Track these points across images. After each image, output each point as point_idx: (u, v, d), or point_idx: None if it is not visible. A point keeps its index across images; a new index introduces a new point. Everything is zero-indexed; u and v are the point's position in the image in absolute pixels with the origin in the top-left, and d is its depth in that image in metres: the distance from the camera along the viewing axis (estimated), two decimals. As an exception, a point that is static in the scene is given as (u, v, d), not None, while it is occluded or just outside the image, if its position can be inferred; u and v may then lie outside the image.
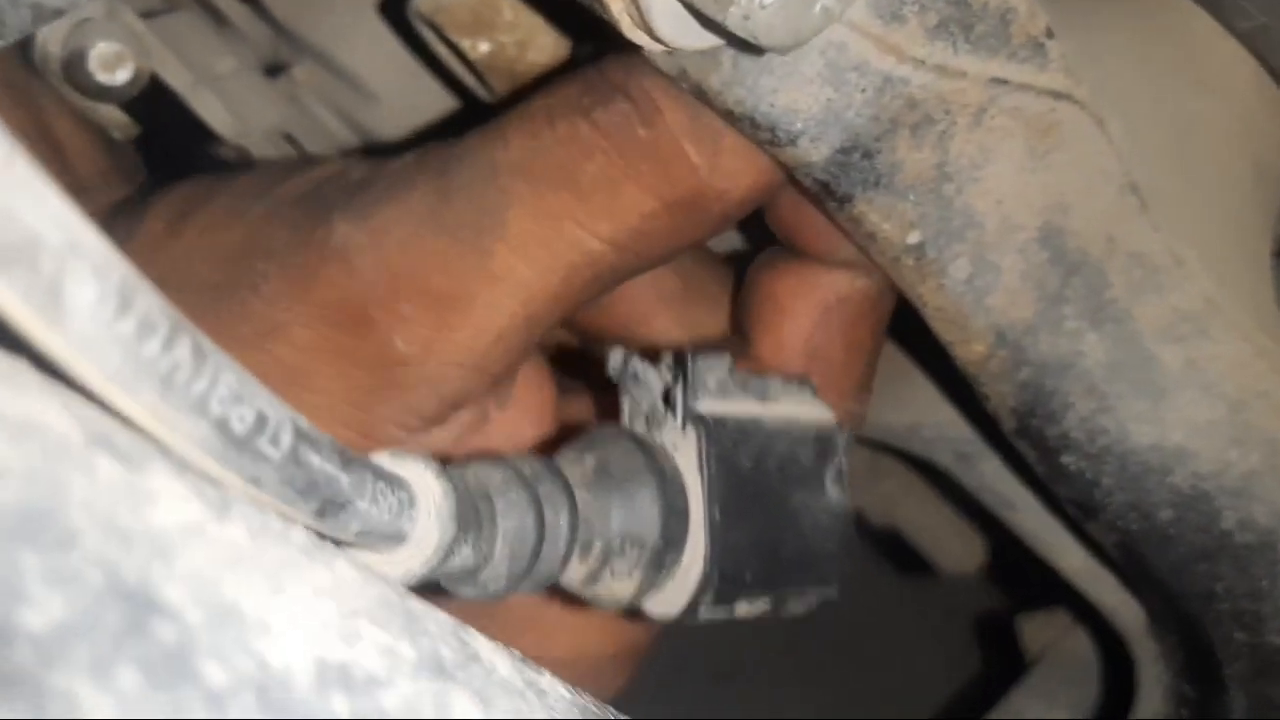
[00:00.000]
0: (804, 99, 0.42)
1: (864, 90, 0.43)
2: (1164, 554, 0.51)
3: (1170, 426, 0.50)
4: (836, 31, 0.41)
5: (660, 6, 0.35)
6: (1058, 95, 0.46)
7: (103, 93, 0.53)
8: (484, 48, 0.51)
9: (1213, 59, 0.52)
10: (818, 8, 0.36)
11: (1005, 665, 0.82)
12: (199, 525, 0.21)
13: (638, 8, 0.36)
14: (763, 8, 0.34)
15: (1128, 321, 0.49)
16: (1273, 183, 0.56)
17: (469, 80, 0.54)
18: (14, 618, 0.17)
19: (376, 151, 0.71)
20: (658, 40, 0.37)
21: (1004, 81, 0.44)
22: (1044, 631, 0.79)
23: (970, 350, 0.49)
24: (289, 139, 0.66)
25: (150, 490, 0.21)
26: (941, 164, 0.45)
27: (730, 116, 0.43)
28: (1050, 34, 0.45)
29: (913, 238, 0.46)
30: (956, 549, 0.85)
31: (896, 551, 0.89)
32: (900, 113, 0.43)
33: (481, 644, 0.27)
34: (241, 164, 0.65)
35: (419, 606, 0.26)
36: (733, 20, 0.34)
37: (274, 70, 0.65)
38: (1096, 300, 0.49)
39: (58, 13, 0.39)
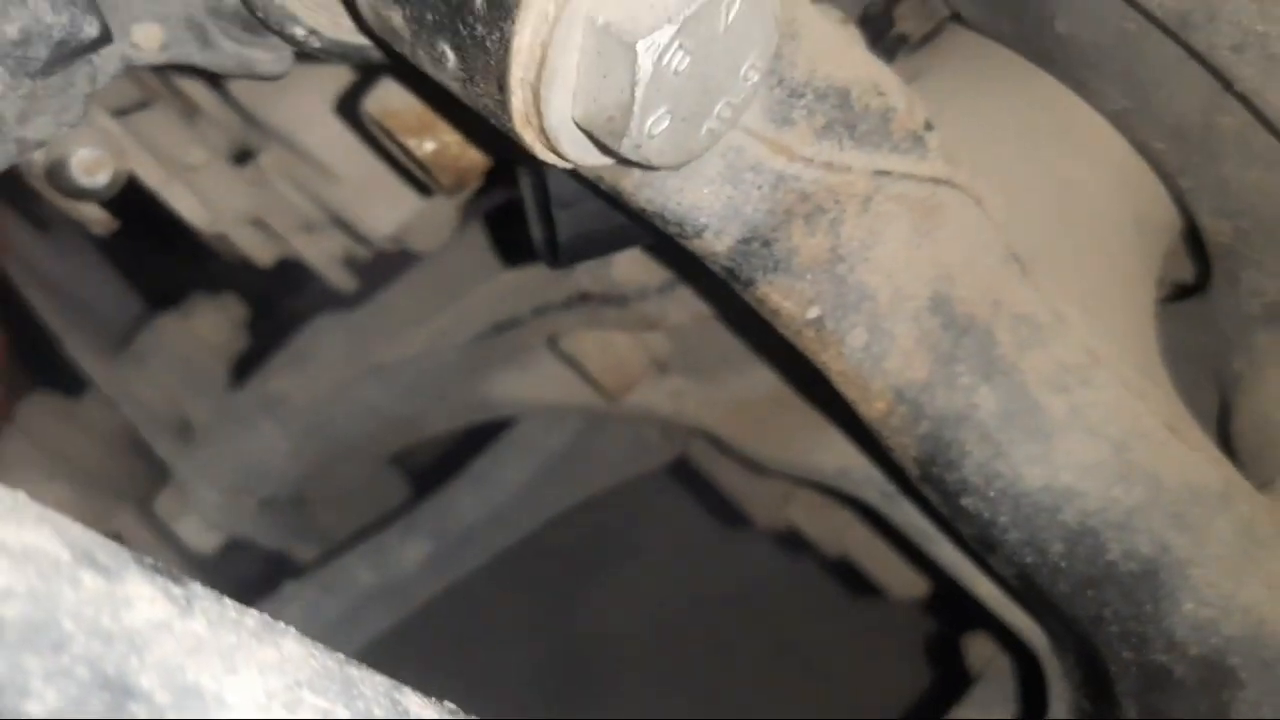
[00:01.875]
0: (707, 197, 0.48)
1: (760, 187, 0.48)
2: (1056, 583, 0.56)
3: (1059, 468, 0.56)
4: (733, 136, 0.47)
5: (567, 136, 0.41)
6: (938, 181, 0.51)
7: (84, 194, 0.58)
8: (429, 147, 0.56)
9: (1087, 129, 0.58)
10: (704, 130, 0.41)
11: (952, 681, 0.87)
12: (166, 621, 0.26)
13: (546, 137, 0.41)
14: (651, 137, 0.40)
15: (1016, 374, 0.55)
16: (1154, 233, 0.61)
17: (417, 173, 0.60)
18: (20, 708, 0.22)
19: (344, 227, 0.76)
20: (566, 160, 0.43)
21: (887, 173, 0.50)
22: (984, 650, 0.85)
23: (872, 408, 0.54)
24: (259, 224, 0.72)
25: (126, 595, 0.26)
26: (834, 247, 0.50)
27: (643, 213, 0.48)
28: (929, 126, 0.51)
29: (812, 313, 0.51)
30: (904, 575, 0.90)
31: (849, 577, 0.94)
32: (794, 205, 0.49)
33: (413, 702, 0.32)
34: (217, 250, 0.70)
35: (357, 673, 0.31)
36: (626, 149, 0.39)
37: (242, 157, 0.71)
38: (986, 357, 0.54)
39: (40, 144, 0.45)
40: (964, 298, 0.53)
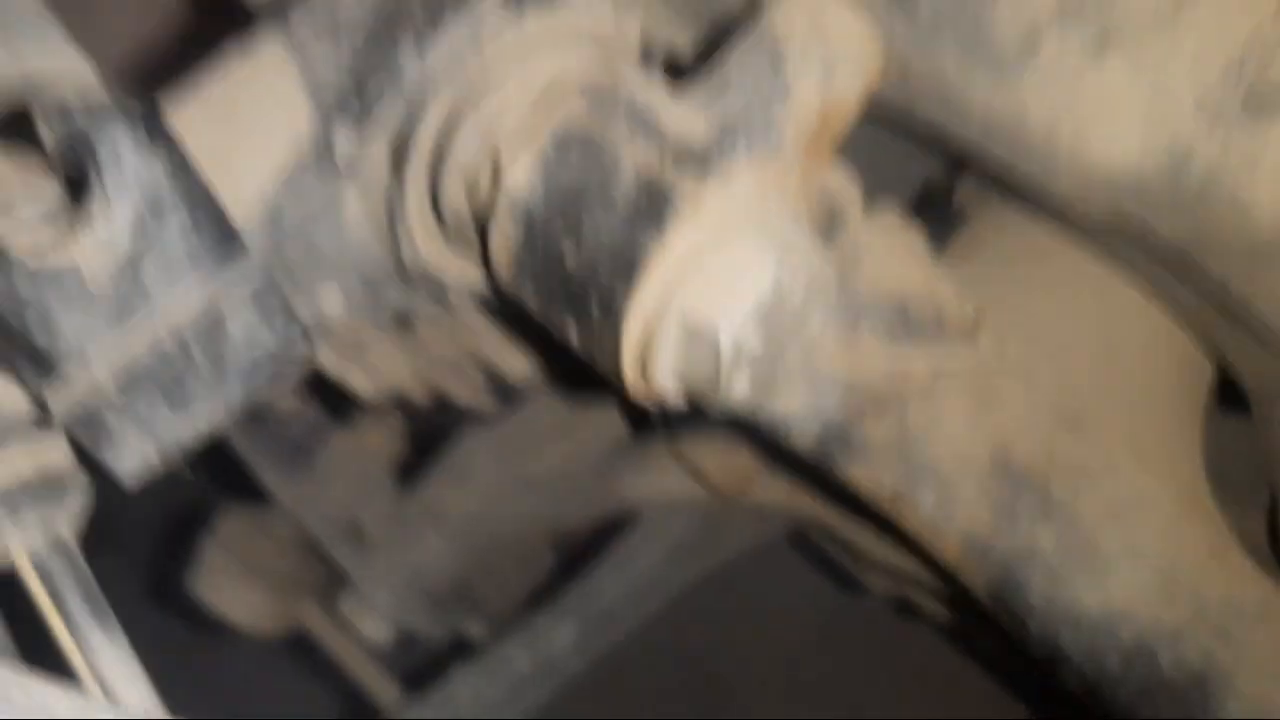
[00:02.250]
0: (789, 404, 0.57)
1: (834, 391, 0.58)
2: (1117, 694, 0.65)
3: (1114, 593, 0.64)
4: (809, 349, 0.57)
5: (669, 394, 0.51)
6: (991, 372, 0.60)
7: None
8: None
9: (1125, 293, 0.66)
10: (780, 373, 0.51)
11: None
12: None
13: (653, 395, 0.51)
14: (735, 392, 0.50)
15: (1072, 515, 0.63)
16: (1194, 374, 0.69)
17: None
18: None
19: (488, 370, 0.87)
20: (663, 404, 0.53)
21: (945, 365, 0.59)
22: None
23: (944, 553, 0.63)
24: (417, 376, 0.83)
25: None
26: (902, 432, 0.59)
27: (735, 418, 0.58)
28: (979, 321, 0.60)
29: (886, 484, 0.61)
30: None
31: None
32: (864, 401, 0.58)
33: None
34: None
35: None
36: (718, 403, 0.50)
37: (402, 322, 0.83)
38: (1044, 503, 0.63)
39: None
40: (1021, 456, 0.62)
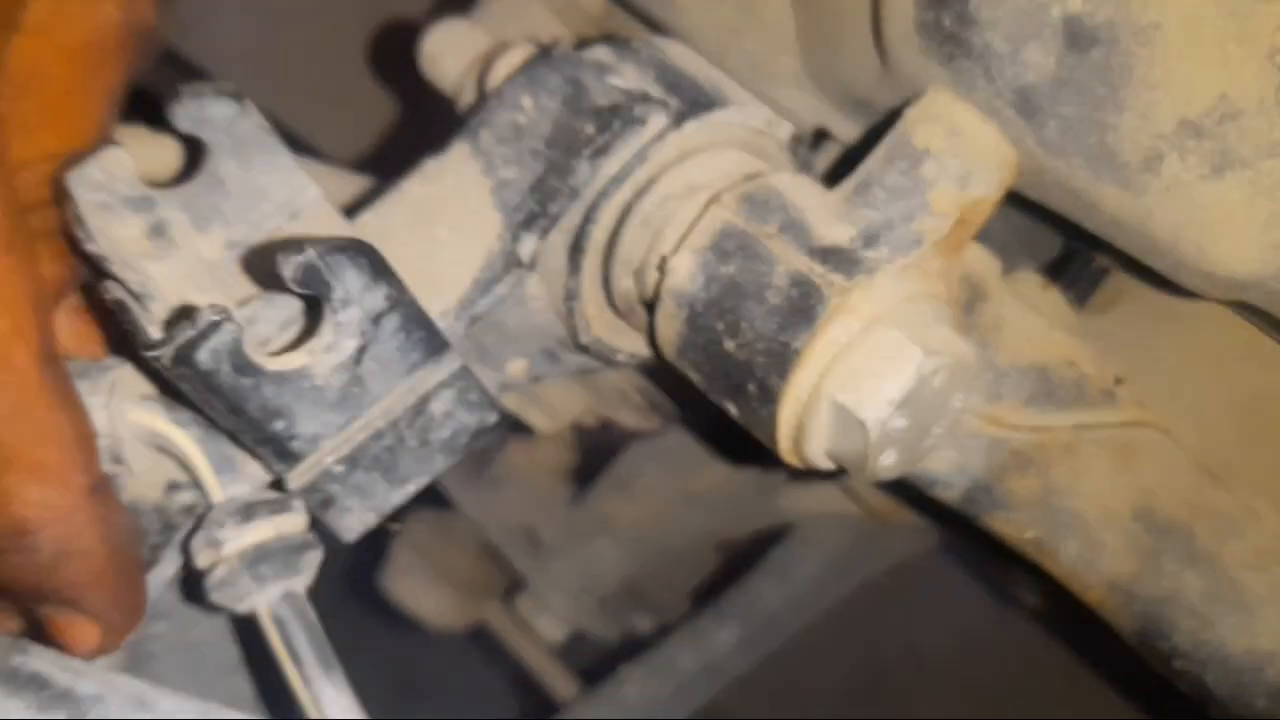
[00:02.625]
0: (937, 462, 0.62)
1: (979, 450, 0.62)
2: (1262, 731, 0.68)
3: (1260, 635, 0.66)
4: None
5: (821, 464, 0.56)
6: (1129, 425, 0.63)
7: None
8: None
9: (1264, 344, 0.68)
10: (924, 447, 0.56)
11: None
12: None
13: (807, 465, 0.56)
14: (883, 467, 0.54)
15: (1216, 561, 0.66)
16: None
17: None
18: None
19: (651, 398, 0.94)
20: (811, 467, 0.58)
21: (1085, 426, 0.62)
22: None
23: (1088, 597, 0.67)
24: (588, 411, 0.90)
25: None
26: (1045, 486, 0.63)
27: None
28: (1119, 381, 0.63)
29: (1029, 535, 0.64)
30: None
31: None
32: (1008, 459, 0.62)
33: None
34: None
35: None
36: (866, 478, 0.54)
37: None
38: (1188, 549, 0.66)
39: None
40: (1163, 507, 0.65)
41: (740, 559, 1.15)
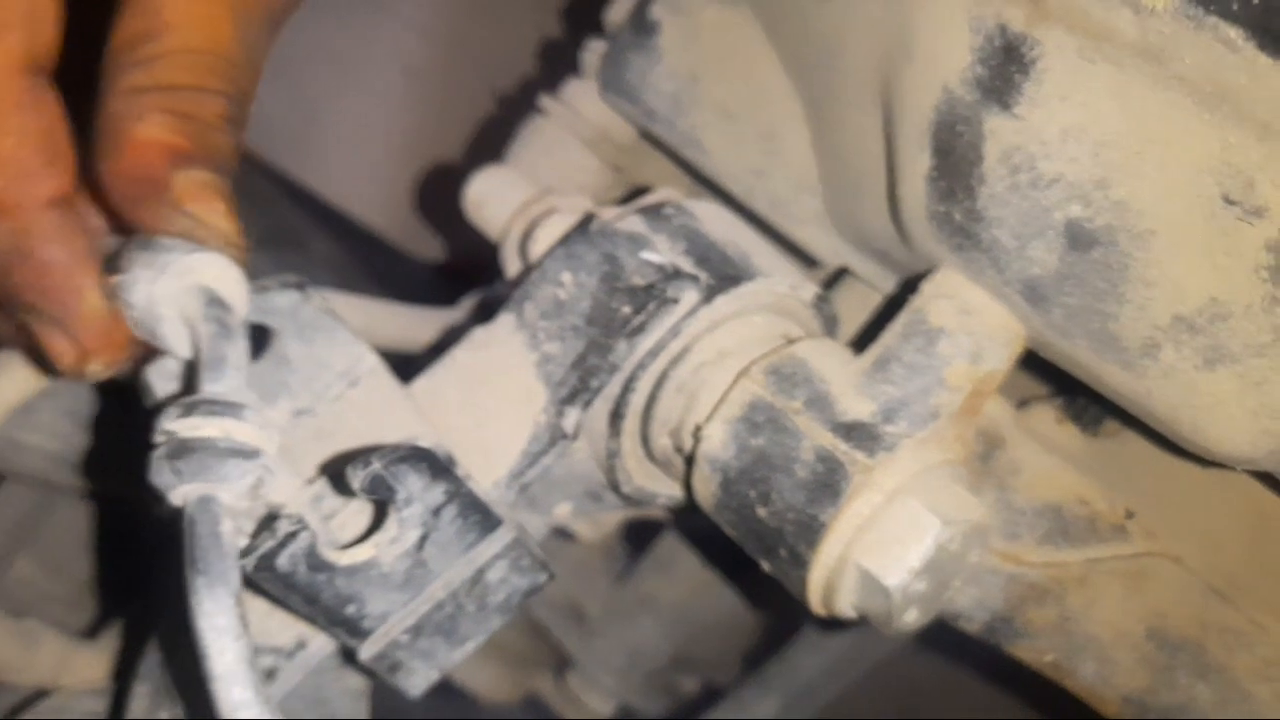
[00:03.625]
0: (961, 598, 0.66)
1: (997, 585, 0.66)
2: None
3: (1270, 743, 0.70)
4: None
5: (847, 617, 0.60)
6: (1140, 555, 0.67)
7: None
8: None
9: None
10: (943, 600, 0.60)
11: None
12: None
13: (834, 617, 0.60)
14: (906, 623, 0.58)
15: (1227, 672, 0.70)
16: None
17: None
18: None
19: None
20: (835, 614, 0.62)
21: (1098, 560, 0.66)
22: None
23: (1106, 710, 0.71)
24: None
25: None
26: (1061, 614, 0.67)
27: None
28: (1130, 514, 0.67)
29: (1048, 658, 0.68)
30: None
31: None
32: (1025, 593, 0.66)
33: None
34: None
35: None
36: (891, 631, 0.59)
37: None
38: (1199, 663, 0.70)
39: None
40: (1174, 625, 0.69)
41: (783, 623, 1.18)
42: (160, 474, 0.48)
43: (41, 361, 0.53)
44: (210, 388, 0.50)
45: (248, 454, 0.48)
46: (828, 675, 1.16)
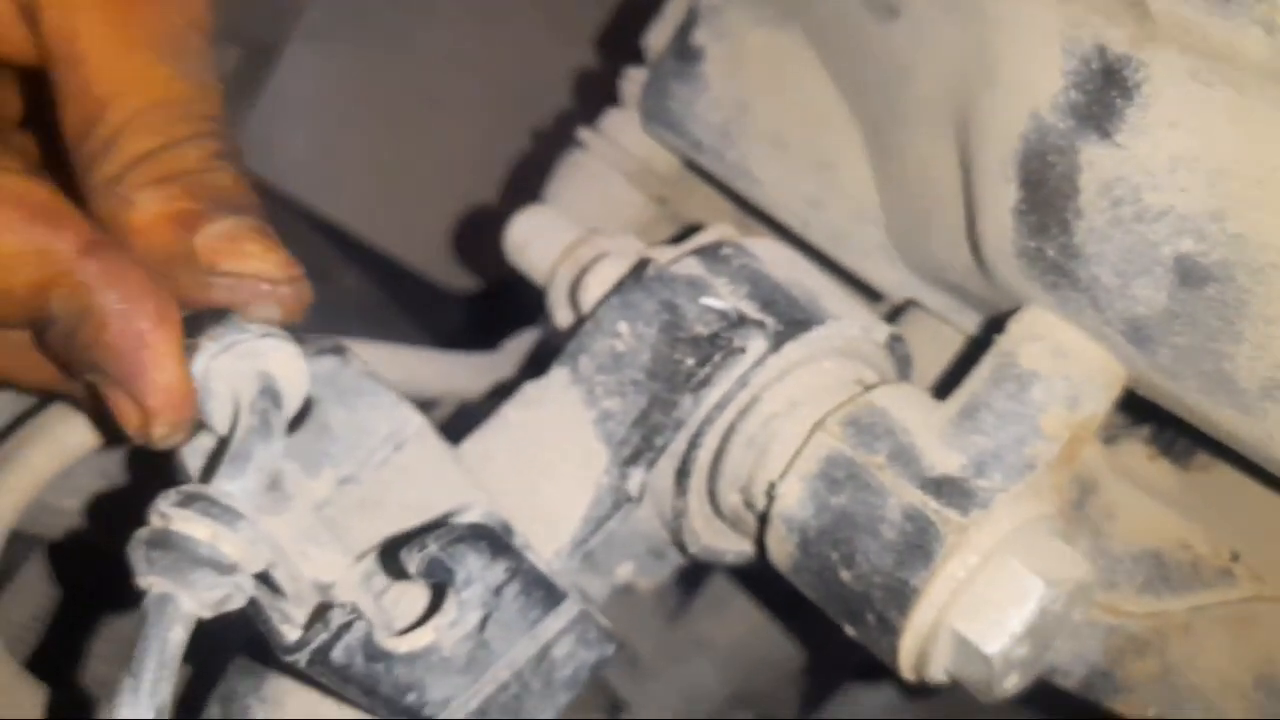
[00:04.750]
0: (1058, 653, 0.61)
1: (1096, 637, 0.61)
2: None
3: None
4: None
5: (940, 681, 0.56)
6: (1247, 600, 0.62)
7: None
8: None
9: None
10: (1044, 661, 0.56)
11: None
12: None
13: (925, 684, 0.56)
14: (1006, 689, 0.54)
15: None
16: None
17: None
18: None
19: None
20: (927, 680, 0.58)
21: (1202, 607, 0.62)
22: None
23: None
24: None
25: None
26: (1163, 665, 0.63)
27: None
28: (1235, 557, 0.62)
29: (1151, 711, 0.64)
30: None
31: None
32: (1125, 645, 0.62)
33: None
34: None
35: None
36: (990, 699, 0.54)
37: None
38: (1312, 712, 0.65)
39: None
40: (1284, 673, 0.64)
41: (841, 661, 1.14)
42: (134, 553, 0.45)
43: (107, 424, 0.50)
44: (222, 483, 0.47)
45: (224, 568, 0.45)
46: (888, 712, 1.11)
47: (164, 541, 0.45)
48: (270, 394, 0.49)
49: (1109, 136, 0.48)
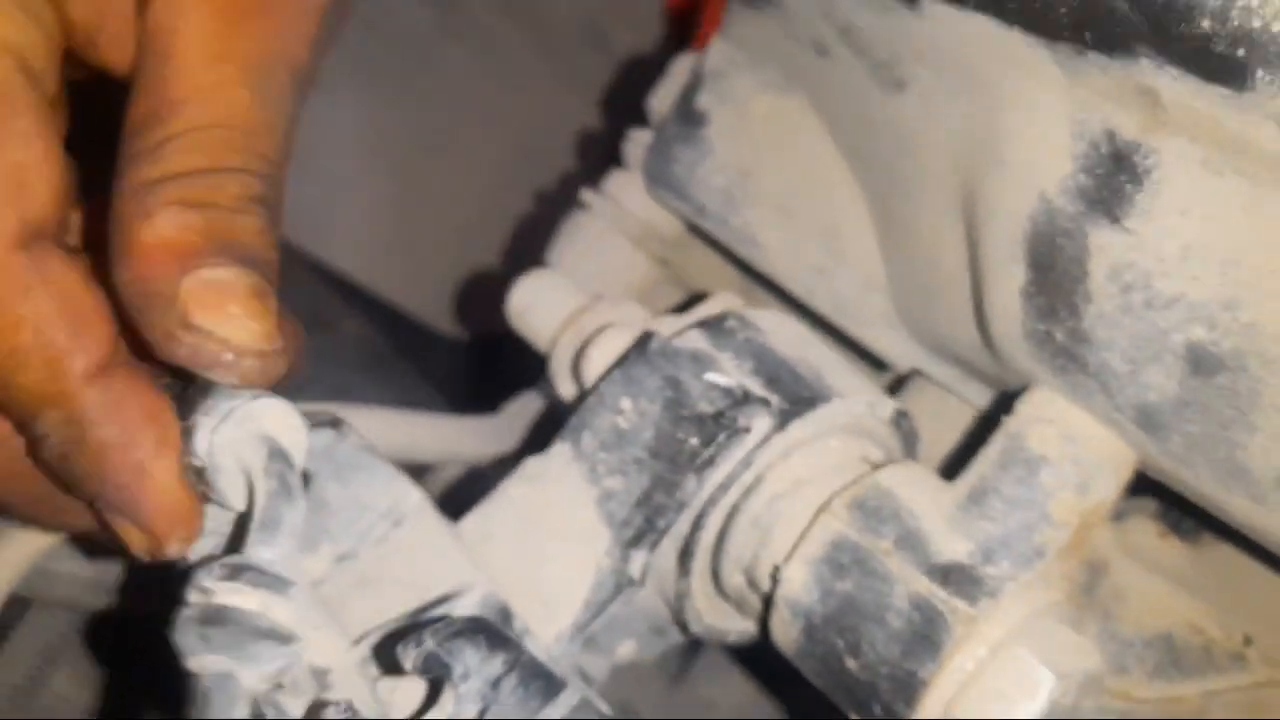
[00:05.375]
0: (1063, 738, 0.60)
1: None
2: None
3: None
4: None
5: None
6: (1260, 685, 0.61)
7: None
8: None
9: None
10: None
11: None
12: None
13: None
14: None
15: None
16: None
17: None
18: None
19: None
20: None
21: (1215, 692, 0.60)
22: None
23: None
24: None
25: None
26: (1177, 747, 0.61)
27: None
28: (1249, 641, 0.61)
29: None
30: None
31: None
32: (1136, 730, 0.60)
33: None
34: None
35: None
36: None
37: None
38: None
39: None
40: (1300, 759, 0.63)
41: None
42: (185, 636, 0.43)
43: (121, 550, 0.49)
44: (260, 551, 0.46)
45: (283, 638, 0.44)
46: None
47: (219, 618, 0.43)
48: (280, 455, 0.48)
49: (1118, 221, 0.47)
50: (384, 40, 1.43)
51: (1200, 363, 0.47)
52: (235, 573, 0.44)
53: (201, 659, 0.43)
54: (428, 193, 1.50)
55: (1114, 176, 0.47)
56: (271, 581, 0.45)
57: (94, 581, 0.81)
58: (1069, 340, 0.50)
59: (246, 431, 0.48)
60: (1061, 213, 0.49)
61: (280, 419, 0.49)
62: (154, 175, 0.45)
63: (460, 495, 0.61)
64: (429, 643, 0.47)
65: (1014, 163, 0.51)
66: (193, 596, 0.44)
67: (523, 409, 0.86)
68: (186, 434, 0.47)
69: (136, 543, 0.47)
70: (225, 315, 0.45)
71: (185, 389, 0.48)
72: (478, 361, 1.51)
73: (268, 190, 0.47)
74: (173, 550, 0.47)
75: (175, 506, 0.46)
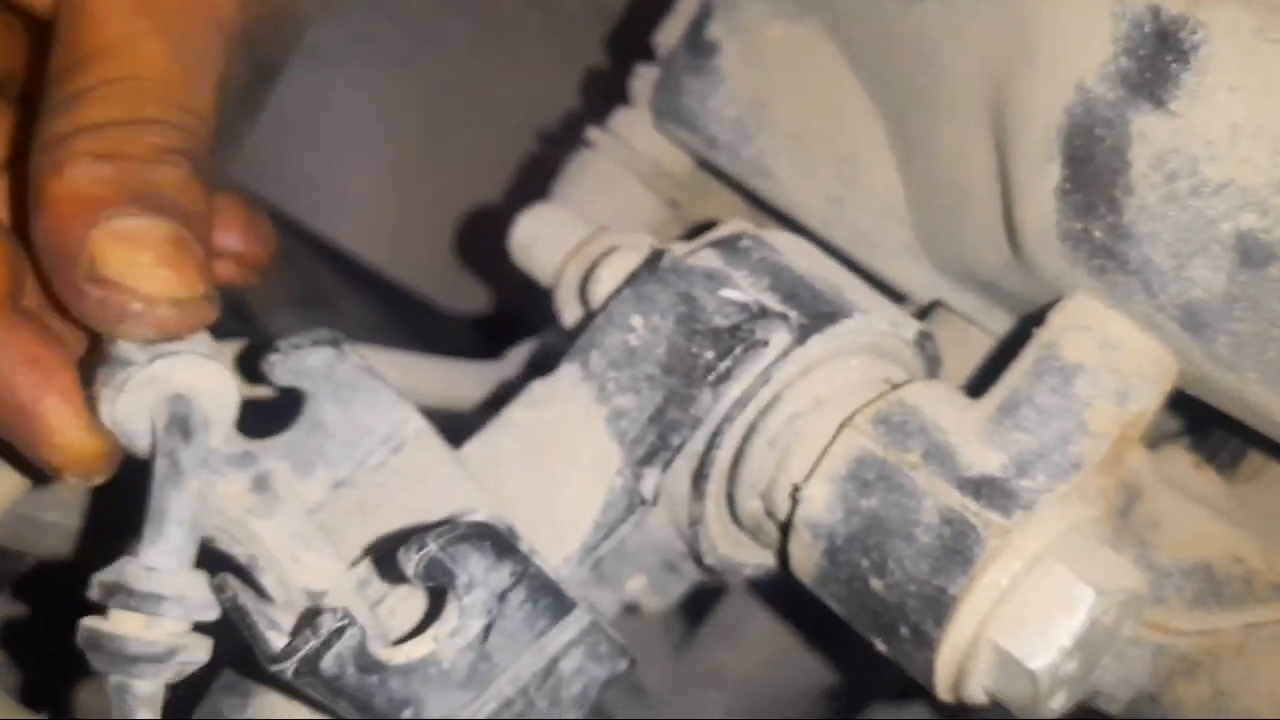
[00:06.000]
0: (1101, 675, 0.57)
1: (1142, 658, 0.57)
2: None
3: None
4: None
5: (978, 702, 0.52)
6: (1303, 616, 0.58)
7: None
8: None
9: None
10: (1090, 681, 0.51)
11: None
12: None
13: (962, 704, 0.52)
14: (1051, 709, 0.50)
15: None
16: None
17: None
18: None
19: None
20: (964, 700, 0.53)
21: (1257, 625, 0.58)
22: None
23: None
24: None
25: None
26: (1215, 689, 0.58)
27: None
28: (1289, 571, 0.58)
29: (1201, 738, 0.60)
30: None
31: None
32: (1174, 666, 0.58)
33: None
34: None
35: None
36: (1041, 715, 0.50)
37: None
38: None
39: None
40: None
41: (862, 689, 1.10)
42: (82, 650, 0.45)
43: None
44: (147, 553, 0.44)
45: (159, 657, 0.44)
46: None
47: (95, 644, 0.44)
48: (178, 424, 0.46)
49: (1163, 105, 0.44)
50: (386, 15, 1.41)
51: (1250, 253, 0.44)
52: (110, 593, 0.44)
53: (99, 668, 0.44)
54: (430, 169, 1.47)
55: (1158, 56, 0.44)
56: (143, 601, 0.43)
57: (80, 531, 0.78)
58: (1108, 237, 0.48)
59: (154, 394, 0.45)
60: (1100, 100, 0.46)
61: (192, 371, 0.46)
62: (67, 128, 0.44)
63: (455, 436, 0.58)
64: (432, 546, 0.44)
65: (1049, 55, 0.49)
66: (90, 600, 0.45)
67: (526, 353, 0.83)
68: (91, 404, 0.45)
69: (45, 467, 0.46)
70: (133, 264, 0.42)
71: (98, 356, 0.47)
72: (481, 339, 1.48)
73: (190, 142, 0.45)
74: (73, 480, 0.47)
75: (70, 445, 0.45)
